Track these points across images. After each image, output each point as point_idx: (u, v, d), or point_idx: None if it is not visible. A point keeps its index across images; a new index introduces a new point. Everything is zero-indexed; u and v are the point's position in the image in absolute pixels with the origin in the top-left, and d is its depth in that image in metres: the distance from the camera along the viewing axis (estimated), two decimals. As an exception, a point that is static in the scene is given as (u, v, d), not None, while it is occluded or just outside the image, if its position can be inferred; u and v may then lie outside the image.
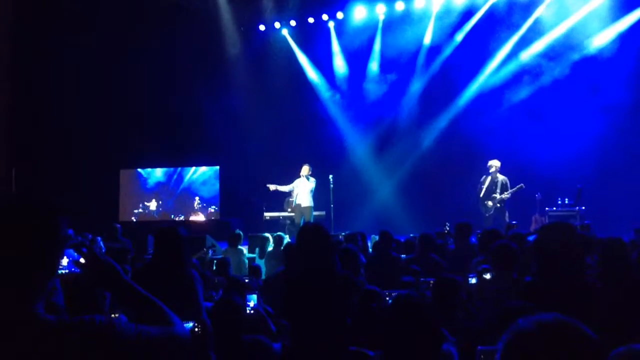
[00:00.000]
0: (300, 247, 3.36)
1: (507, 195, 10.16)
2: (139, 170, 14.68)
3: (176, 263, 3.51)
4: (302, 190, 10.49)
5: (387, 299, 3.66)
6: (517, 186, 10.10)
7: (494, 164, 10.32)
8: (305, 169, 10.51)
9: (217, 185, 14.02)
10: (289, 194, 11.16)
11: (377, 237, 6.71)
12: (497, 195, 10.17)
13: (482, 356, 1.98)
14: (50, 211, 1.45)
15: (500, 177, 10.26)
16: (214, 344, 2.82)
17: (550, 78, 11.88)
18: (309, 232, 3.37)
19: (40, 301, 1.39)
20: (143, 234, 9.71)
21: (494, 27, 12.32)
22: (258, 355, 2.90)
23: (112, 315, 2.14)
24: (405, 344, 2.36)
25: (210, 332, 2.69)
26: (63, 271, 1.79)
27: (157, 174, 14.56)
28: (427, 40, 13.05)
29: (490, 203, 10.22)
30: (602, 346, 1.17)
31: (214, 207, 13.95)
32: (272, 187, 10.78)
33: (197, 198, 14.09)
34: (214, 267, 6.39)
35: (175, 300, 1.74)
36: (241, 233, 8.40)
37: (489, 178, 10.34)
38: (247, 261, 8.07)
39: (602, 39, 11.59)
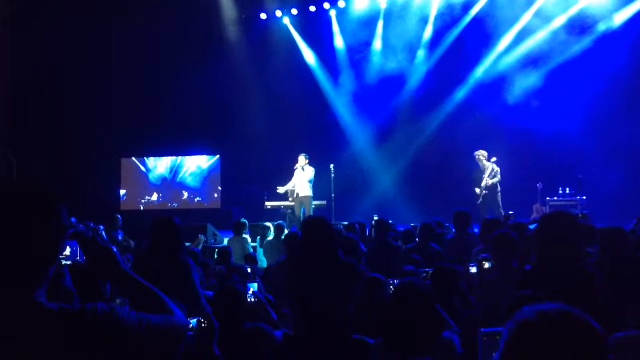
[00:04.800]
0: (305, 238, 3.38)
1: (491, 182, 10.21)
2: (142, 159, 14.86)
3: (171, 252, 3.52)
4: (300, 180, 10.49)
5: (391, 287, 3.67)
6: (495, 171, 10.17)
7: (480, 153, 10.43)
8: (301, 160, 10.47)
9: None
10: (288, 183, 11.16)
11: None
12: (483, 182, 10.27)
13: (484, 338, 2.00)
14: (50, 199, 1.44)
15: (488, 165, 10.35)
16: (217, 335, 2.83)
17: (552, 66, 11.81)
18: (312, 224, 3.39)
19: (42, 289, 1.39)
20: (148, 223, 9.73)
21: (495, 18, 12.22)
22: (259, 343, 2.92)
23: (117, 302, 2.16)
24: (406, 329, 2.37)
25: (216, 326, 2.69)
26: (67, 262, 1.81)
27: (161, 169, 14.88)
28: (430, 27, 12.97)
29: (478, 190, 10.33)
30: (605, 337, 1.17)
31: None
32: (281, 190, 10.82)
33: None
34: (216, 256, 6.41)
35: (171, 289, 1.75)
36: (246, 222, 8.38)
37: (479, 168, 10.47)
38: (252, 250, 8.08)
39: (607, 23, 11.47)
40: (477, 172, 10.47)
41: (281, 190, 10.83)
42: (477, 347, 2.06)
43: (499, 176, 10.21)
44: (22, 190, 1.45)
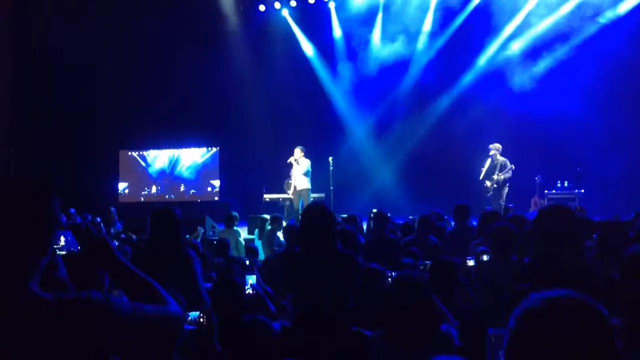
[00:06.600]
0: (304, 227, 3.35)
1: (502, 176, 10.22)
2: (142, 153, 14.90)
3: (172, 243, 3.50)
4: (296, 173, 10.50)
5: (389, 279, 3.67)
6: (508, 168, 10.17)
7: (494, 147, 10.40)
8: (296, 153, 10.42)
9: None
10: (288, 175, 11.15)
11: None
12: (495, 176, 10.26)
13: (492, 339, 1.98)
14: (42, 191, 1.45)
15: (500, 159, 10.34)
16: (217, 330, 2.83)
17: (554, 57, 11.77)
18: (313, 212, 3.35)
19: (35, 279, 1.40)
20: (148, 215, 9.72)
21: (497, 7, 12.16)
22: (258, 334, 2.91)
23: (115, 293, 2.15)
24: (404, 321, 2.37)
25: (215, 322, 2.69)
26: (62, 252, 1.80)
27: (160, 163, 14.95)
28: (430, 17, 12.90)
29: (489, 183, 10.33)
30: (612, 323, 1.16)
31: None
32: (290, 192, 10.87)
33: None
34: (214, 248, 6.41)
35: (173, 280, 1.74)
36: (236, 214, 8.44)
37: (489, 160, 10.42)
38: (243, 242, 8.12)
39: (612, 11, 11.37)
40: (490, 165, 10.44)
41: (290, 192, 10.86)
42: (475, 341, 2.05)
43: (511, 173, 10.22)
44: (13, 182, 1.46)
